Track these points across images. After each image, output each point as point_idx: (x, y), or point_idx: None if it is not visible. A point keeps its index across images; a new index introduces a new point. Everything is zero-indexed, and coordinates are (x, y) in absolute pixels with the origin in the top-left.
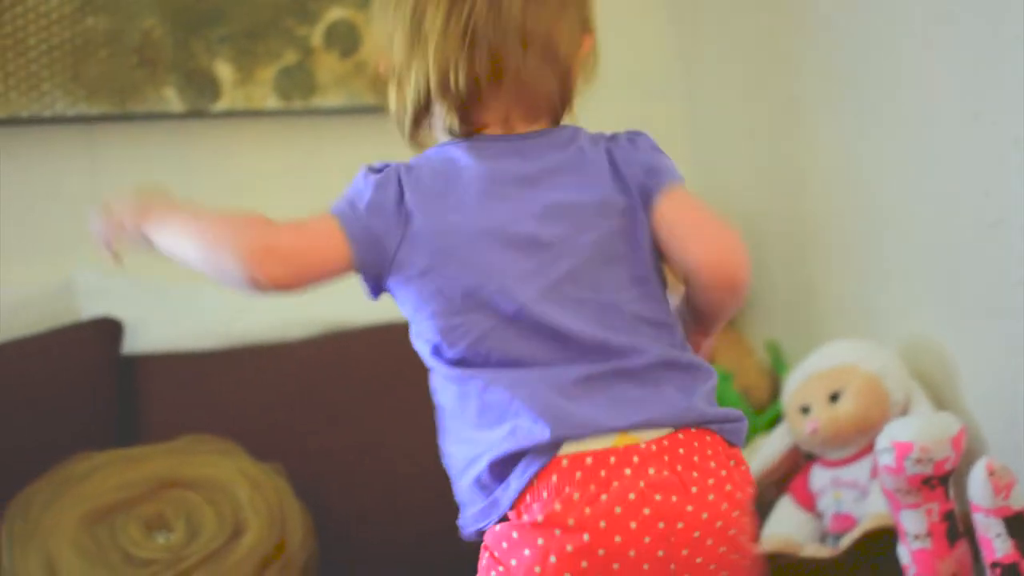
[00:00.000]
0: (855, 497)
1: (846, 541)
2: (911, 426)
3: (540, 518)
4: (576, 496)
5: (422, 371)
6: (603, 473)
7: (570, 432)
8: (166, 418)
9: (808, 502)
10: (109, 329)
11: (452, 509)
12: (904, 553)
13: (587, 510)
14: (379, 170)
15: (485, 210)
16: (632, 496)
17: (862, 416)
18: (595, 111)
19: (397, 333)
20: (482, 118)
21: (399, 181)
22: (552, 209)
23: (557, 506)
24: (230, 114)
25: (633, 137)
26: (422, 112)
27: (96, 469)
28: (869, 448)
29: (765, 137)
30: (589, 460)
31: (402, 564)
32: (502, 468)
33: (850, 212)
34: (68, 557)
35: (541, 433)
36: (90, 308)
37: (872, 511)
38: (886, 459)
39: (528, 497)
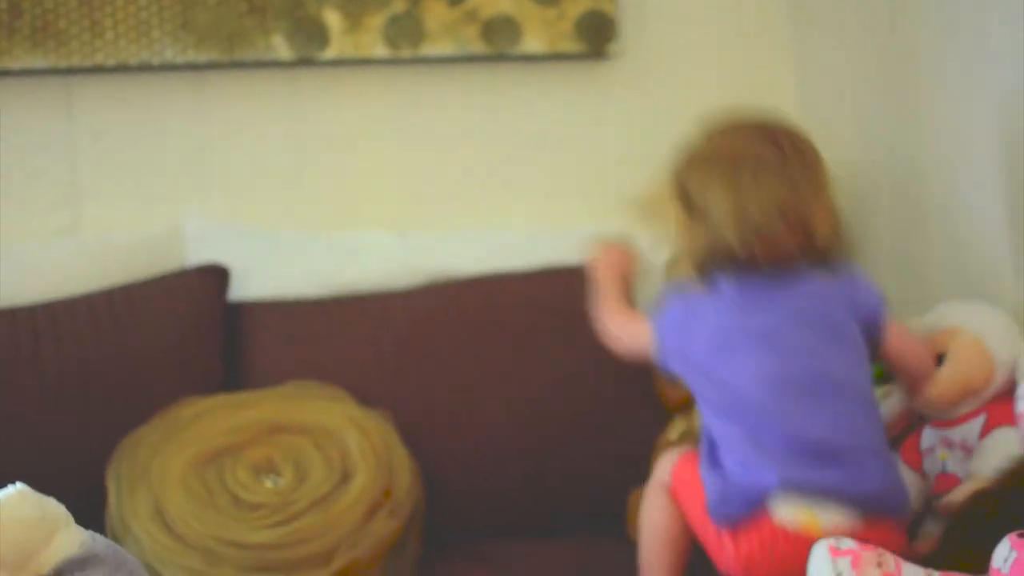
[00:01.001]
0: (961, 458)
1: (944, 502)
2: None
3: None
4: None
5: (525, 321)
6: None
7: None
8: (272, 365)
9: (916, 463)
10: (216, 275)
11: (554, 457)
12: None
13: None
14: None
15: None
16: None
17: (964, 379)
18: (699, 53)
19: (502, 284)
20: None
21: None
22: None
23: None
24: (338, 62)
25: None
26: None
27: (204, 413)
28: (980, 409)
29: (877, 85)
30: None
31: (507, 511)
32: None
33: (964, 166)
34: (176, 500)
35: None
36: (197, 254)
37: (974, 472)
38: (1020, 406)
39: None
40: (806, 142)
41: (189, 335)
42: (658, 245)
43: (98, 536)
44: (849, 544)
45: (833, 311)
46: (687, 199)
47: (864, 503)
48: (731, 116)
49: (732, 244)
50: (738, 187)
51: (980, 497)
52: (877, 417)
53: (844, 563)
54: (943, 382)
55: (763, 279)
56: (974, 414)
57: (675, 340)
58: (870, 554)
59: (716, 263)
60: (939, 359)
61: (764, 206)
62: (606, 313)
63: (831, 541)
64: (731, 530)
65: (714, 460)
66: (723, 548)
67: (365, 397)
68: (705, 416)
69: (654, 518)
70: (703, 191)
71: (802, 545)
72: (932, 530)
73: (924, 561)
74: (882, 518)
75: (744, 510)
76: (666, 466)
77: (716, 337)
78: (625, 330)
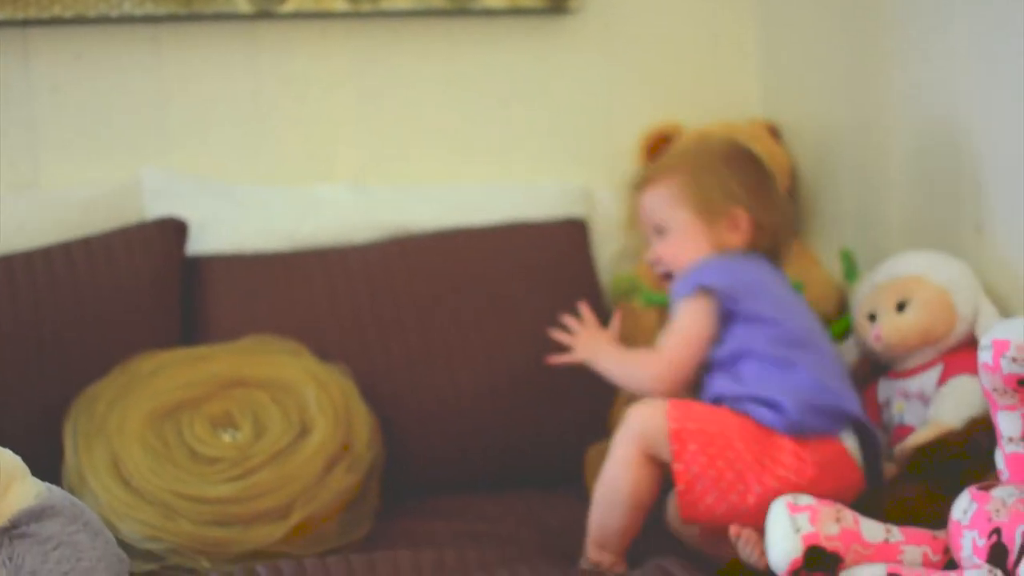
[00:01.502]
0: (918, 409)
1: (900, 449)
2: (1012, 326)
3: None
4: None
5: (485, 277)
6: None
7: None
8: (231, 319)
9: (875, 414)
10: (174, 229)
11: (513, 412)
12: (998, 457)
13: None
14: None
15: None
16: None
17: (927, 327)
18: (660, 7)
19: (463, 238)
20: None
21: None
22: None
23: None
24: (297, 15)
25: None
26: None
27: (162, 368)
28: (936, 360)
29: (841, 41)
30: None
31: (465, 466)
32: None
33: (924, 123)
34: (134, 454)
35: None
36: (156, 208)
37: (931, 419)
38: (984, 356)
39: None
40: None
41: (147, 289)
42: (617, 199)
43: (55, 488)
44: (807, 500)
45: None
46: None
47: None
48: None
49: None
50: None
51: (940, 448)
52: None
53: (803, 519)
54: (905, 328)
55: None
56: (931, 364)
57: (728, 276)
58: (828, 509)
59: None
60: (900, 306)
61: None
62: (633, 369)
63: (789, 498)
64: (802, 441)
65: (778, 374)
66: (783, 459)
67: (324, 351)
68: (757, 340)
69: (622, 474)
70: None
71: (850, 473)
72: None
73: (883, 516)
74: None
75: (826, 425)
76: (646, 419)
77: (763, 279)
78: (661, 362)
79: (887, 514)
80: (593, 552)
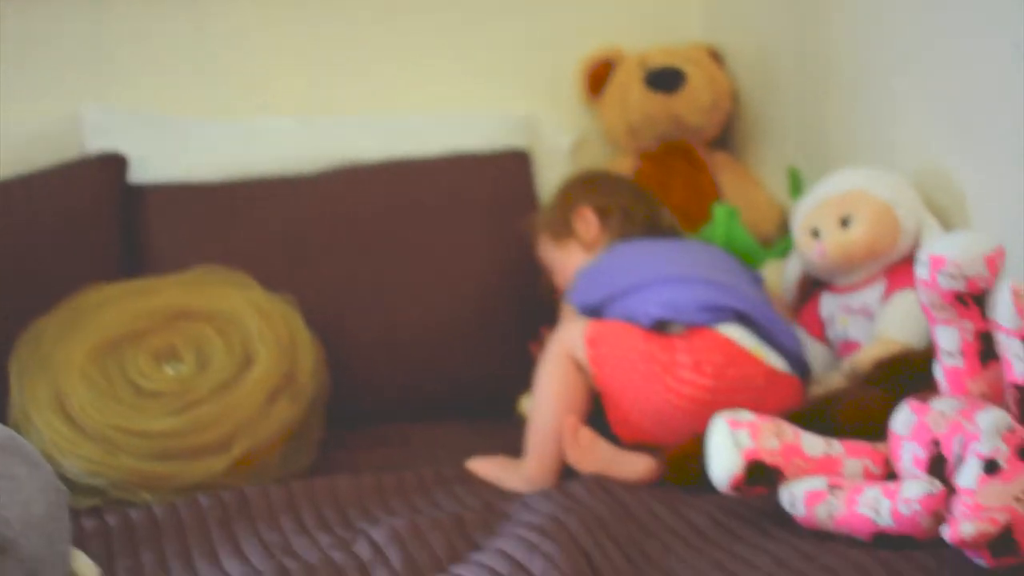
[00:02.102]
0: (863, 323)
1: (848, 364)
2: (948, 241)
3: None
4: None
5: (429, 209)
6: None
7: None
8: (174, 251)
9: (818, 330)
10: (114, 164)
11: (455, 342)
12: (937, 370)
13: None
14: None
15: None
16: None
17: (871, 241)
18: None
19: (406, 170)
20: None
21: None
22: None
23: None
24: None
25: None
26: None
27: (105, 302)
28: (878, 274)
29: None
30: None
31: (409, 395)
32: None
33: (864, 39)
34: (77, 389)
35: None
36: (96, 144)
37: (877, 334)
38: (921, 272)
39: None
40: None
41: (89, 224)
42: (563, 129)
43: None
44: (748, 416)
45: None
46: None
47: (790, 358)
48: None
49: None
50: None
51: (903, 362)
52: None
53: (743, 434)
54: (849, 244)
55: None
56: (875, 279)
57: (588, 292)
58: (768, 424)
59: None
60: (843, 221)
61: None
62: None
63: (729, 415)
64: (685, 339)
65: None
66: (677, 369)
67: (269, 282)
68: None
69: (556, 387)
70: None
71: (752, 368)
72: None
73: (838, 419)
74: (797, 377)
75: (702, 316)
76: (573, 337)
77: (624, 261)
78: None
79: (842, 416)
80: (531, 465)
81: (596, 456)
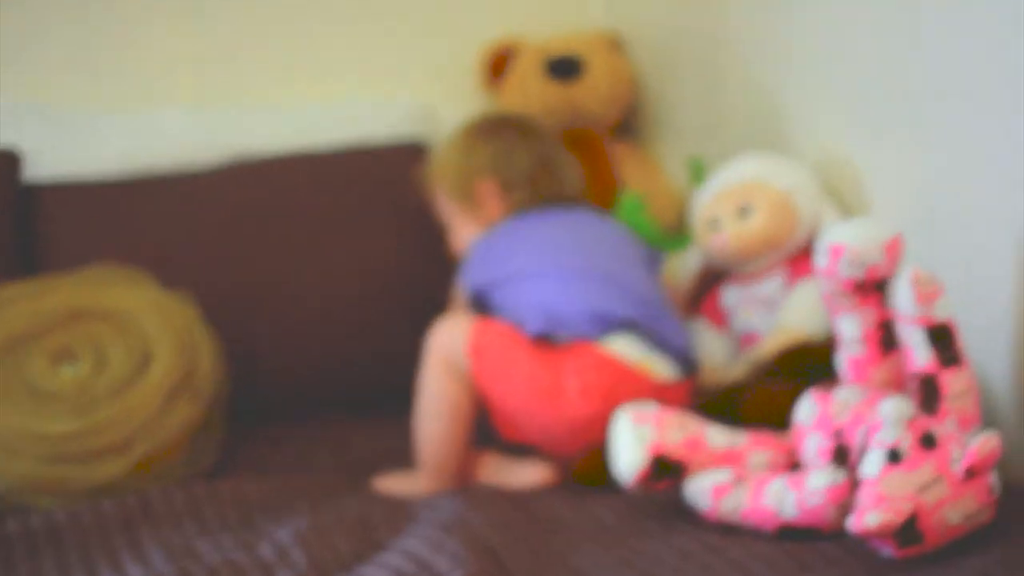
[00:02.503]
0: (765, 314)
1: (749, 356)
2: (846, 228)
3: None
4: None
5: (327, 202)
6: None
7: None
8: (70, 250)
9: (720, 321)
10: (6, 160)
11: (356, 336)
12: (840, 360)
13: None
14: None
15: None
16: None
17: (771, 231)
18: None
19: (303, 164)
20: None
21: None
22: None
23: None
24: None
25: None
26: None
27: (1, 303)
28: (779, 264)
29: None
30: None
31: (312, 393)
32: None
33: (763, 28)
34: None
35: None
36: None
37: (778, 325)
38: (821, 261)
39: None
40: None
41: None
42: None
43: None
44: (651, 409)
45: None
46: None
47: (679, 359)
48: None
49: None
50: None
51: (806, 353)
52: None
53: (647, 429)
54: (748, 234)
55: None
56: (775, 268)
57: (481, 272)
58: (672, 418)
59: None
60: (742, 211)
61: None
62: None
63: (633, 409)
64: (572, 358)
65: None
66: (564, 394)
67: (168, 280)
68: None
69: (441, 403)
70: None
71: (640, 384)
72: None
73: (743, 409)
74: (686, 378)
75: (589, 329)
76: (455, 344)
77: (518, 243)
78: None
79: (747, 408)
80: (425, 482)
81: (489, 471)
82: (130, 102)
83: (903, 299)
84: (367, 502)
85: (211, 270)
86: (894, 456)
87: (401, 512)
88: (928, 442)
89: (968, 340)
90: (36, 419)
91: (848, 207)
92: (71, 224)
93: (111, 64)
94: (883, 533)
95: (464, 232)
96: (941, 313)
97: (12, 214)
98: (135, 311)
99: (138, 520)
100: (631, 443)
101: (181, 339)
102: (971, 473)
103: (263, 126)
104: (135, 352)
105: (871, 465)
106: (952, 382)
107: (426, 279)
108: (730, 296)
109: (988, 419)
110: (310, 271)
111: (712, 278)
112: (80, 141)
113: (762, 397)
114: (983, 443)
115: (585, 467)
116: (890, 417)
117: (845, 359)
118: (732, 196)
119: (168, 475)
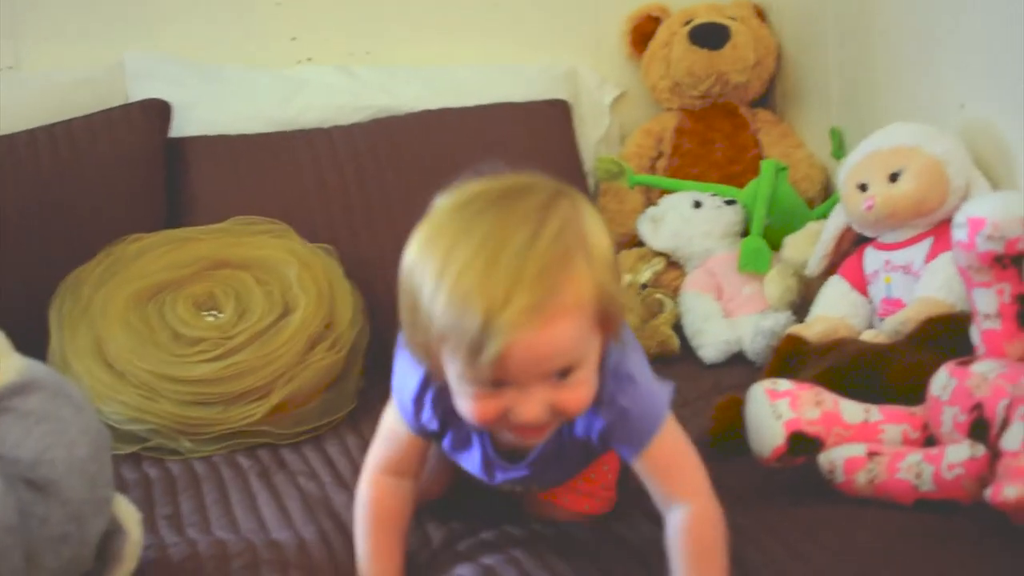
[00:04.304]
0: (907, 282)
1: (892, 323)
2: (986, 202)
3: None
4: None
5: (470, 157)
6: None
7: None
8: (215, 200)
9: (860, 284)
10: (158, 111)
11: None
12: (975, 333)
13: None
14: None
15: None
16: None
17: (921, 197)
18: None
19: (447, 119)
20: None
21: None
22: None
23: None
24: None
25: None
26: None
27: (146, 250)
28: (926, 233)
29: None
30: None
31: None
32: None
33: (909, 2)
34: (117, 336)
35: None
36: (139, 91)
37: (922, 294)
38: (959, 234)
39: None
40: None
41: (131, 171)
42: (606, 83)
43: (38, 363)
44: (786, 385)
45: None
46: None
47: None
48: None
49: None
50: None
51: (951, 321)
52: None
53: (783, 404)
54: (898, 199)
55: None
56: (921, 237)
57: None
58: (808, 393)
59: None
60: (893, 176)
61: None
62: None
63: (768, 384)
64: None
65: None
66: None
67: (309, 232)
68: None
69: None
70: None
71: None
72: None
73: (887, 378)
74: None
75: None
76: None
77: None
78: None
79: (892, 376)
80: None
81: None
82: (281, 59)
83: None
84: None
85: (353, 222)
86: None
87: None
88: None
89: None
90: (178, 363)
91: (995, 180)
92: (217, 176)
93: (263, 20)
94: (1021, 507)
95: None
96: None
97: (161, 163)
98: (277, 261)
99: (274, 471)
100: (767, 419)
101: (321, 290)
102: None
103: (410, 86)
104: (276, 301)
105: (1013, 438)
106: None
107: None
108: (872, 260)
109: None
110: None
111: (853, 243)
112: (229, 97)
113: (908, 367)
114: None
115: (720, 429)
116: None
117: (980, 333)
118: (884, 160)
119: (305, 421)
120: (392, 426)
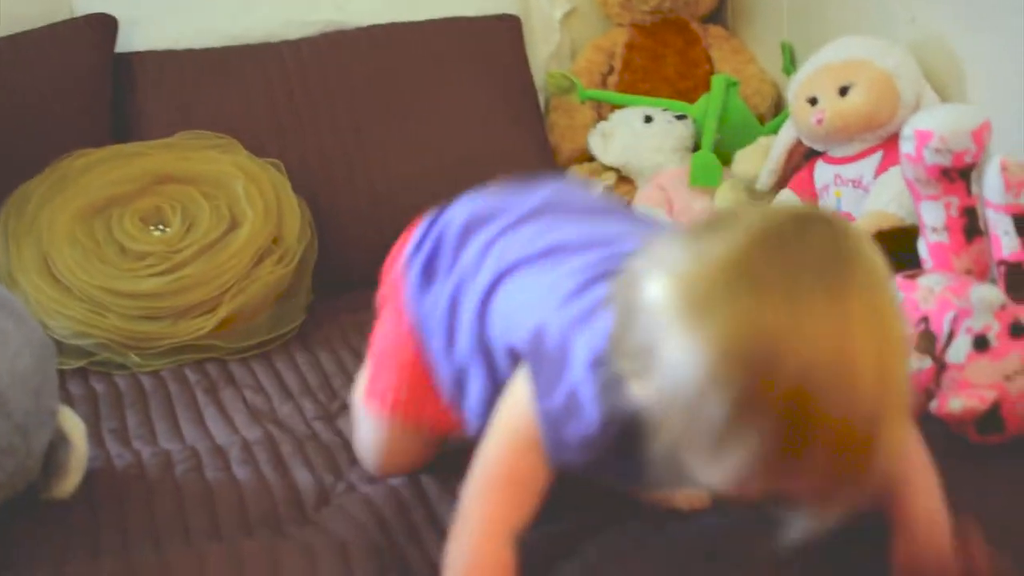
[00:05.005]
0: (857, 196)
1: None
2: (934, 115)
3: None
4: None
5: (419, 72)
6: None
7: None
8: (163, 116)
9: (811, 198)
10: (103, 25)
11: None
12: (922, 246)
13: None
14: None
15: None
16: None
17: (871, 111)
18: None
19: (396, 34)
20: None
21: None
22: None
23: None
24: None
25: None
26: None
27: (92, 165)
28: (876, 147)
29: None
30: None
31: None
32: None
33: None
34: (63, 251)
35: None
36: (86, 5)
37: (871, 208)
38: (907, 147)
39: None
40: None
41: (77, 87)
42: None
43: None
44: None
45: None
46: None
47: None
48: None
49: None
50: None
51: (876, 239)
52: None
53: None
54: (848, 112)
55: None
56: (871, 151)
57: None
58: None
59: None
60: (843, 90)
61: None
62: None
63: None
64: None
65: None
66: None
67: (257, 147)
68: None
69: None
70: None
71: None
72: None
73: None
74: None
75: None
76: None
77: None
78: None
79: None
80: None
81: None
82: None
83: (992, 187)
84: None
85: (301, 138)
86: (981, 343)
87: None
88: (1017, 331)
89: None
90: (125, 277)
91: (945, 94)
92: (165, 92)
93: None
94: (965, 419)
95: None
96: None
97: (108, 80)
98: (224, 175)
99: (222, 386)
100: None
101: (268, 204)
102: None
103: (357, 0)
104: (223, 215)
105: (958, 351)
106: None
107: (510, 150)
108: (823, 174)
109: None
110: (400, 140)
111: (803, 156)
112: (177, 12)
113: None
114: None
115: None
116: (980, 304)
117: (927, 246)
118: (834, 73)
119: (254, 335)
120: (517, 455)
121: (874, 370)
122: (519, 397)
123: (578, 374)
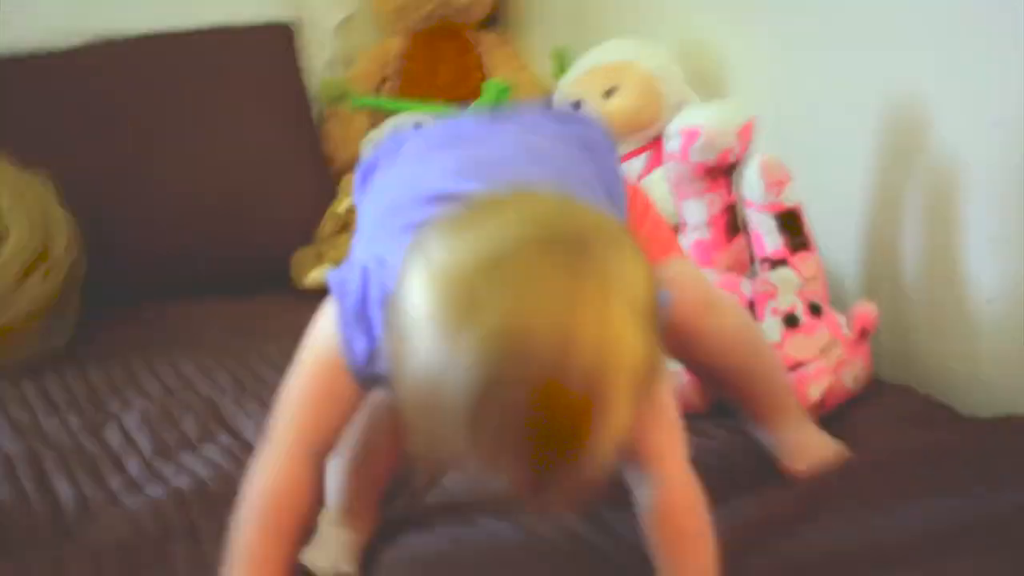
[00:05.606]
0: None
1: None
2: (700, 112)
3: None
4: None
5: (191, 83)
6: None
7: None
8: None
9: None
10: None
11: (217, 219)
12: (685, 243)
13: None
14: None
15: None
16: None
17: (634, 113)
18: None
19: (167, 44)
20: None
21: None
22: None
23: None
24: None
25: None
26: None
27: None
28: (643, 148)
29: None
30: None
31: (169, 273)
32: None
33: None
34: None
35: None
36: None
37: None
38: (672, 145)
39: None
40: None
41: None
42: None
43: None
44: None
45: None
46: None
47: None
48: None
49: None
50: None
51: None
52: None
53: None
54: (613, 114)
55: None
56: (638, 152)
57: None
58: None
59: None
60: (608, 92)
61: None
62: None
63: None
64: None
65: None
66: None
67: (26, 160)
68: None
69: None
70: None
71: None
72: None
73: None
74: None
75: None
76: None
77: None
78: None
79: None
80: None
81: None
82: None
83: (753, 187)
84: (216, 384)
85: (71, 150)
86: (792, 320)
87: (248, 393)
88: (816, 310)
89: (816, 226)
90: None
91: (708, 94)
92: None
93: None
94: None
95: None
96: (789, 199)
97: None
98: None
99: None
100: None
101: (34, 217)
102: (864, 334)
103: (125, 6)
104: None
105: (771, 332)
106: (801, 267)
107: (285, 165)
108: None
109: (836, 303)
110: (171, 153)
111: None
112: None
113: None
114: (867, 307)
115: None
116: (784, 284)
117: (690, 243)
118: (599, 76)
119: (22, 351)
120: (317, 374)
121: (593, 348)
122: (323, 321)
123: (372, 310)
